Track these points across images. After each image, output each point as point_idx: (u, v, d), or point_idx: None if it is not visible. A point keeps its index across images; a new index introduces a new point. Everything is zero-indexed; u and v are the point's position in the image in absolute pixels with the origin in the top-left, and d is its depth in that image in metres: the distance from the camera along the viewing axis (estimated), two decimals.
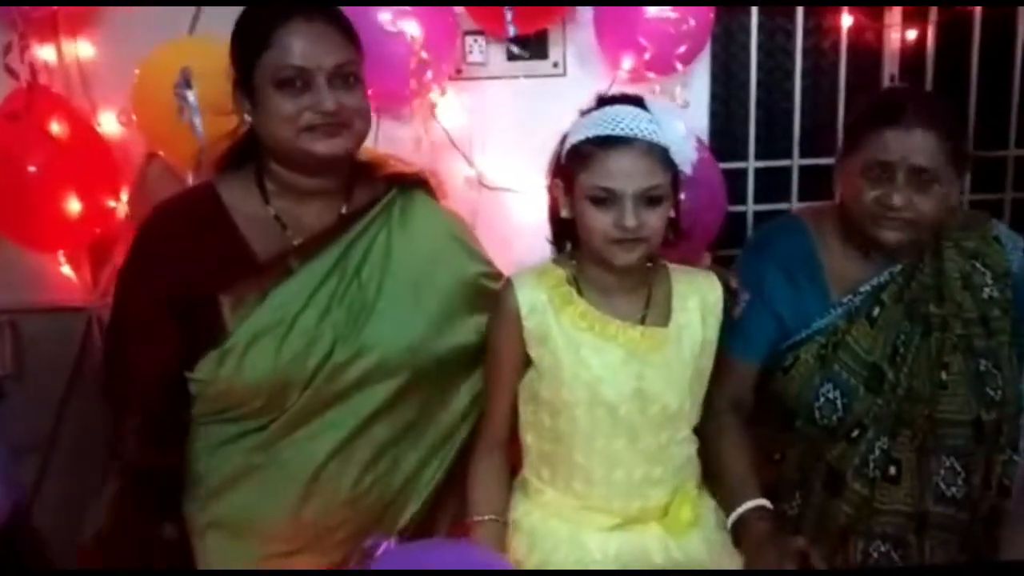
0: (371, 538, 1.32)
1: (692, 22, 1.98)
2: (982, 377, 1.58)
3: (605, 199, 1.41)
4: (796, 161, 2.46)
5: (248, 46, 1.44)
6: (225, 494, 1.51)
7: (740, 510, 1.51)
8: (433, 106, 2.16)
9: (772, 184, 2.49)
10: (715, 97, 2.36)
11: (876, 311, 1.60)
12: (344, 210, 1.54)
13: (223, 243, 1.48)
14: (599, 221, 1.42)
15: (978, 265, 1.64)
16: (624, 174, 1.40)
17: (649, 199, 1.41)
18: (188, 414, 1.51)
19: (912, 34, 2.37)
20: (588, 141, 1.43)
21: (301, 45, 1.41)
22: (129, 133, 2.18)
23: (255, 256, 1.48)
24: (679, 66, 2.04)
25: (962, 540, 1.62)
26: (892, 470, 1.59)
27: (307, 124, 1.42)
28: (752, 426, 1.64)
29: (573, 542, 1.51)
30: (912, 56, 2.41)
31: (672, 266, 1.58)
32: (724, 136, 2.45)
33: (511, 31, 1.98)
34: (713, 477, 1.58)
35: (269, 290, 1.45)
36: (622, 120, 1.42)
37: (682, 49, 2.00)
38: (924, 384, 1.58)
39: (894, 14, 2.37)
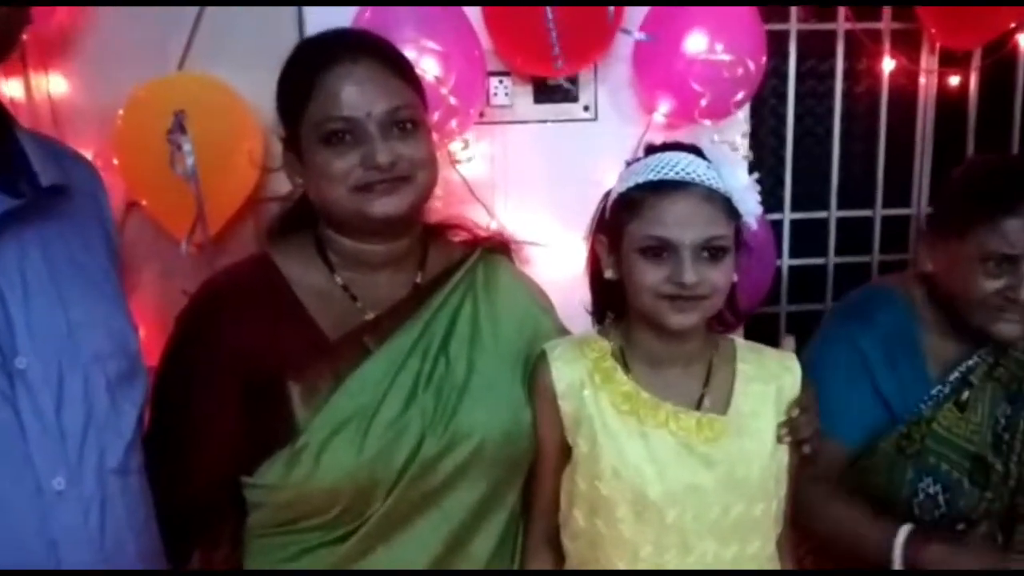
0: None
1: (750, 65, 1.81)
2: None
3: (659, 250, 1.23)
4: (833, 212, 2.31)
5: (290, 98, 1.26)
6: None
7: (899, 539, 1.35)
8: (453, 154, 1.97)
9: (808, 237, 2.34)
10: (751, 144, 2.19)
11: (965, 395, 1.45)
12: (419, 279, 1.34)
13: (288, 321, 1.27)
14: (651, 276, 1.23)
15: None
16: (681, 222, 1.22)
17: (710, 252, 1.23)
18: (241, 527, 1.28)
19: (954, 80, 2.26)
20: (639, 187, 1.25)
21: (347, 92, 1.21)
22: (106, 179, 1.94)
23: (324, 335, 1.26)
24: (735, 111, 1.87)
25: None
26: None
27: (360, 182, 1.22)
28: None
29: None
30: (951, 102, 2.30)
31: (739, 342, 1.38)
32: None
33: (558, 65, 1.78)
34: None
35: (344, 375, 1.23)
36: (678, 163, 1.25)
37: (740, 95, 1.83)
38: None
39: (932, 60, 2.26)
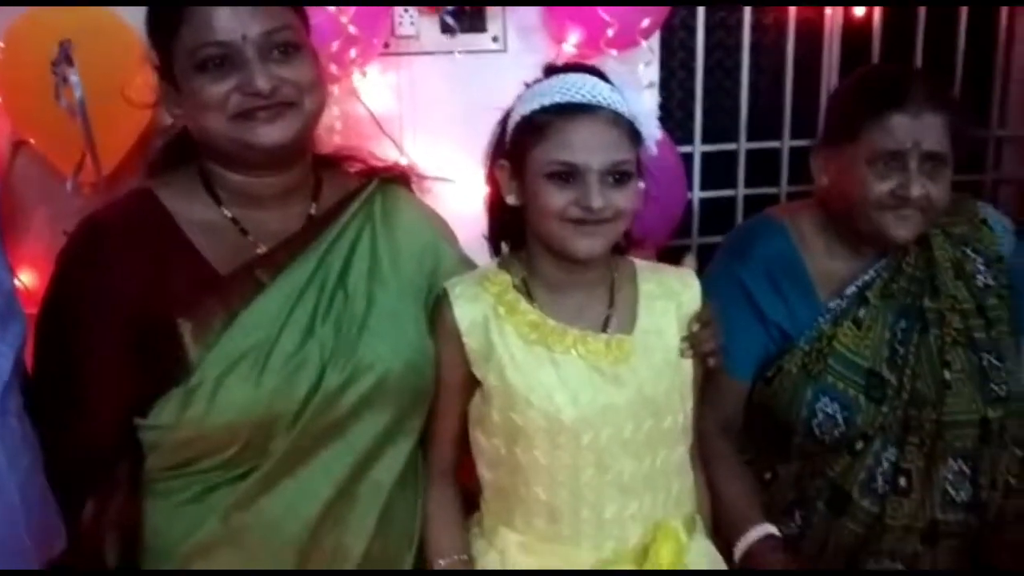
0: None
1: None
2: (985, 372, 1.48)
3: (566, 175, 1.22)
4: (743, 144, 2.32)
5: (161, 24, 1.20)
6: (194, 566, 1.22)
7: (747, 540, 1.37)
8: (355, 88, 1.91)
9: (718, 170, 2.35)
10: (660, 78, 2.19)
11: (862, 312, 1.48)
12: (313, 211, 1.30)
13: (175, 257, 1.22)
14: (557, 201, 1.22)
15: (969, 252, 1.55)
16: (588, 147, 1.21)
17: (615, 176, 1.23)
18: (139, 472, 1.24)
19: (859, 11, 2.28)
20: (544, 110, 1.23)
21: (221, 15, 1.16)
22: None
23: (215, 270, 1.22)
24: (644, 43, 1.86)
25: (972, 546, 1.52)
26: (902, 482, 1.47)
27: (239, 109, 1.18)
28: (741, 447, 1.52)
29: None
30: (856, 34, 2.32)
31: (639, 263, 1.39)
32: (666, 118, 2.29)
33: None
34: (710, 508, 1.44)
35: (237, 311, 1.19)
36: (583, 86, 1.23)
37: (646, 22, 1.82)
38: (928, 385, 1.47)
39: None
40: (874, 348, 1.47)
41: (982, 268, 1.53)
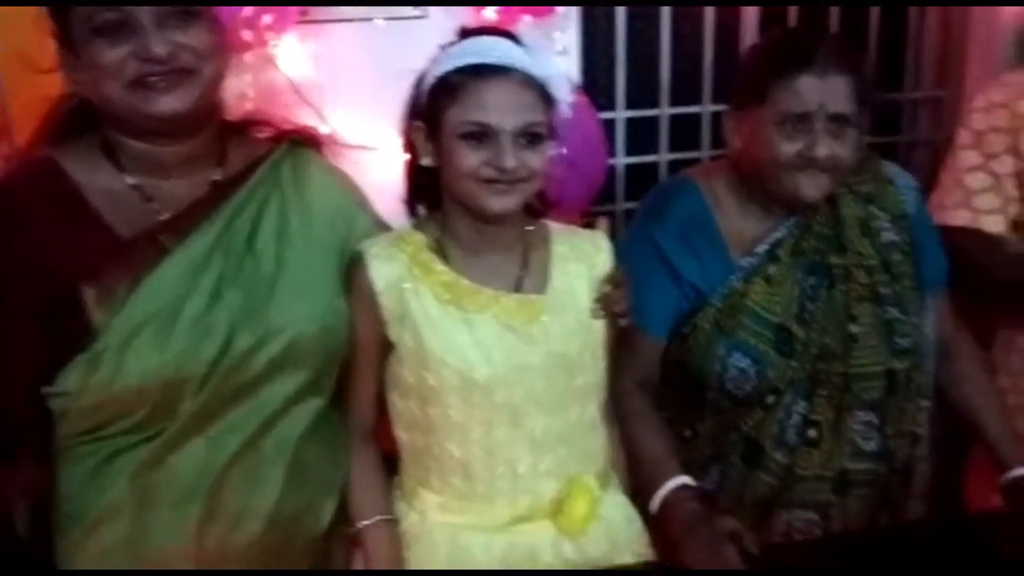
0: None
1: None
2: (891, 326, 1.52)
3: (480, 135, 1.24)
4: (665, 110, 2.35)
5: None
6: (104, 528, 1.23)
7: (662, 491, 1.39)
8: (271, 55, 1.89)
9: (641, 135, 2.38)
10: (581, 44, 2.20)
11: (772, 269, 1.52)
12: (218, 177, 1.29)
13: (77, 224, 1.22)
14: (471, 160, 1.24)
15: (874, 209, 1.58)
16: (501, 107, 1.24)
17: (528, 137, 1.25)
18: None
19: None
20: (458, 71, 1.25)
21: None
22: None
23: (118, 236, 1.21)
24: (558, 8, 1.87)
25: (882, 495, 1.57)
26: (812, 433, 1.51)
27: (135, 75, 1.16)
28: (659, 405, 1.54)
29: (454, 546, 1.35)
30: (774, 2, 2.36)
31: (552, 225, 1.42)
32: (590, 85, 2.31)
33: None
34: (628, 465, 1.48)
35: (142, 277, 1.19)
36: (496, 48, 1.26)
37: None
38: (835, 339, 1.50)
39: None
40: (784, 304, 1.50)
41: (887, 225, 1.56)
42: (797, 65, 1.41)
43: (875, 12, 2.43)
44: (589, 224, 2.06)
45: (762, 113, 1.44)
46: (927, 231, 1.60)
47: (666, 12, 2.31)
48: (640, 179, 2.36)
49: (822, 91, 1.40)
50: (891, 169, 1.64)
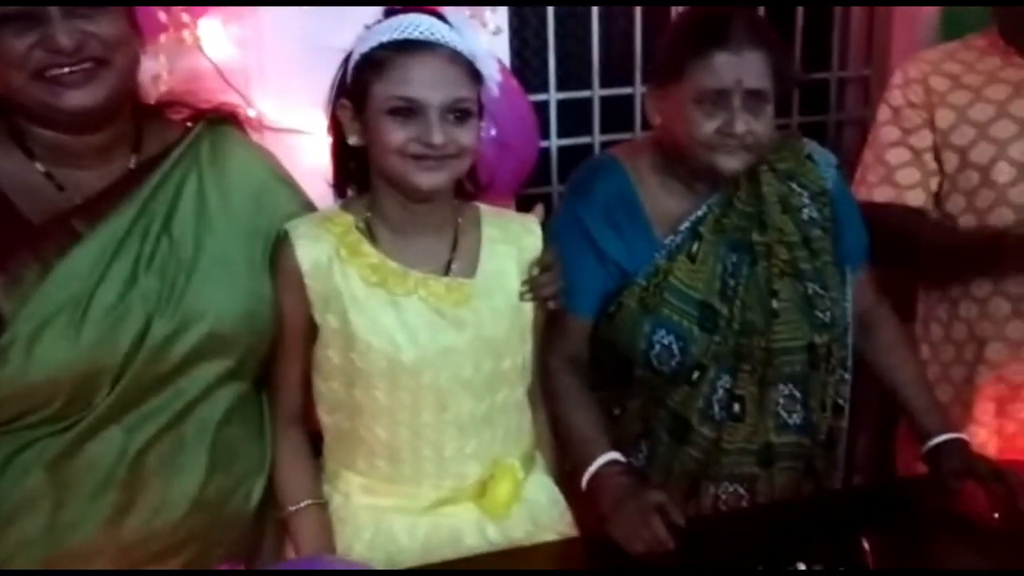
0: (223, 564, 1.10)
1: None
2: (811, 301, 1.55)
3: (407, 111, 1.23)
4: (597, 91, 2.36)
5: None
6: (22, 520, 1.21)
7: (592, 468, 1.42)
8: (194, 37, 1.86)
9: (574, 117, 2.39)
10: (511, 26, 2.20)
11: (695, 246, 1.53)
12: (132, 163, 1.26)
13: None
14: (399, 136, 1.24)
15: (795, 186, 1.60)
16: (428, 83, 1.24)
17: (456, 113, 1.25)
18: None
19: None
20: (383, 47, 1.25)
21: None
22: None
23: (28, 221, 1.18)
24: None
25: (806, 466, 1.61)
26: (736, 407, 1.54)
27: (41, 66, 1.13)
28: (589, 384, 1.55)
29: (378, 528, 1.36)
30: None
31: (484, 208, 1.43)
32: (521, 67, 2.32)
33: None
34: (559, 443, 1.50)
35: (52, 263, 1.16)
36: (421, 24, 1.25)
37: None
38: (757, 315, 1.53)
39: None
40: (707, 281, 1.52)
41: (807, 202, 1.58)
42: (712, 42, 1.42)
43: None
44: (524, 207, 2.07)
45: (680, 91, 1.45)
46: (847, 207, 1.63)
47: None
48: (574, 161, 2.35)
49: (738, 67, 1.41)
50: (811, 147, 1.66)
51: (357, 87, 1.28)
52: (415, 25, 1.25)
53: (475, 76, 1.28)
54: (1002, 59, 1.69)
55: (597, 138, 2.39)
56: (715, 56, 1.42)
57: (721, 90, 1.42)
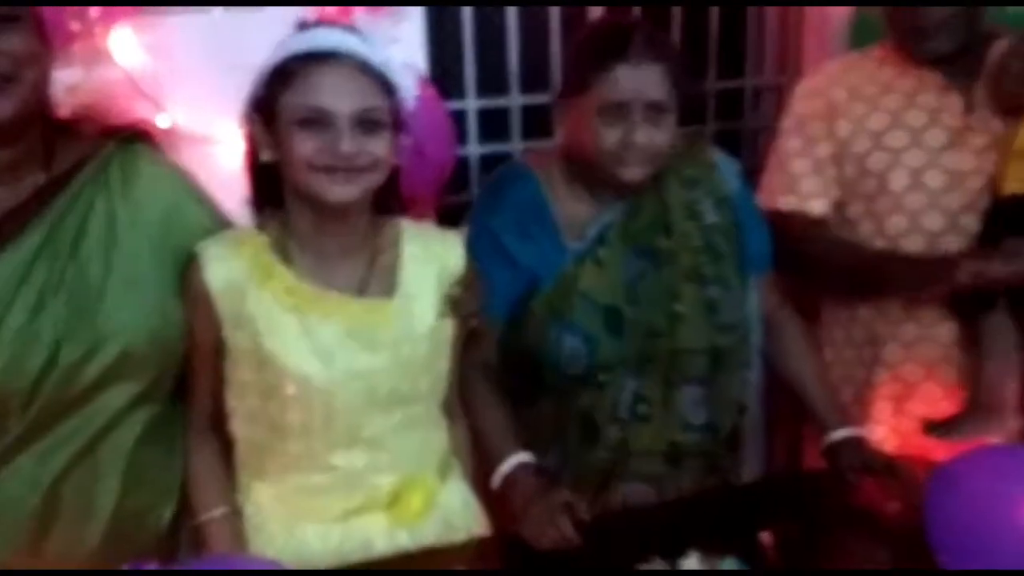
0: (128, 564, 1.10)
1: None
2: (713, 304, 1.60)
3: (315, 121, 1.23)
4: (515, 99, 2.40)
5: None
6: None
7: (503, 469, 1.46)
8: (106, 49, 1.84)
9: (494, 125, 2.42)
10: (429, 34, 2.21)
11: (602, 252, 1.58)
12: (43, 179, 1.25)
13: None
14: (308, 147, 1.23)
15: (699, 193, 1.65)
16: (336, 92, 1.24)
17: (366, 124, 1.25)
18: None
19: None
20: (292, 58, 1.25)
21: None
22: None
23: None
24: None
25: (711, 464, 1.66)
26: (642, 408, 1.58)
27: None
28: (501, 389, 1.59)
29: (290, 536, 1.36)
30: None
31: (406, 224, 1.43)
32: (440, 75, 2.33)
33: None
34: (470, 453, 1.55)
35: None
36: (330, 35, 1.27)
37: None
38: (661, 318, 1.58)
39: None
40: (613, 285, 1.56)
41: (711, 208, 1.63)
42: (613, 56, 1.46)
43: (716, 3, 2.53)
44: (445, 214, 2.09)
45: (584, 102, 1.49)
46: (751, 214, 1.69)
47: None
48: (494, 169, 2.40)
49: (638, 81, 1.46)
50: (716, 154, 1.71)
51: (267, 100, 1.28)
52: (323, 37, 1.27)
53: (388, 88, 1.29)
54: (897, 70, 1.75)
55: (517, 145, 2.42)
56: (616, 70, 1.46)
57: (622, 102, 1.46)
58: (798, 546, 1.41)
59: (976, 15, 1.66)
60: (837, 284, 1.84)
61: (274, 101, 1.26)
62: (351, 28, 1.32)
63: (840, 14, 2.36)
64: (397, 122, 1.32)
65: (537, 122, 2.42)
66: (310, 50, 1.25)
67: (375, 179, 1.29)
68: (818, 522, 1.49)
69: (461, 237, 1.50)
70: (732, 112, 2.64)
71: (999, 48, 1.66)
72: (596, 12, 2.42)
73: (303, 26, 1.32)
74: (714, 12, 2.55)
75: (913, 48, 1.70)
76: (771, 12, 2.63)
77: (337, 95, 1.24)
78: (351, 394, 1.31)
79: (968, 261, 1.60)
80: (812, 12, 2.53)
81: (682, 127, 2.10)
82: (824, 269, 1.81)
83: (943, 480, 1.30)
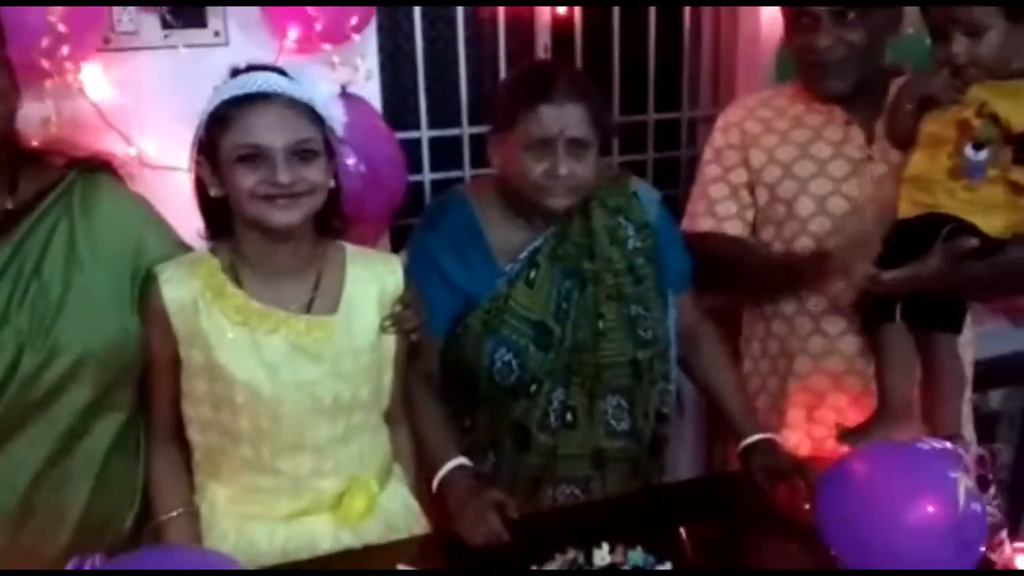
0: (75, 558, 1.17)
1: None
2: (634, 321, 1.74)
3: (254, 157, 1.37)
4: (466, 129, 2.54)
5: None
6: None
7: (441, 472, 1.58)
8: (73, 83, 1.97)
9: (446, 153, 2.56)
10: (383, 69, 2.35)
11: (533, 273, 1.71)
12: (10, 205, 1.38)
13: None
14: (249, 180, 1.37)
15: (622, 220, 1.78)
16: (269, 128, 1.37)
17: (301, 154, 1.39)
18: None
19: (561, 9, 2.53)
20: (226, 103, 1.39)
21: None
22: None
23: None
24: (355, 36, 2.03)
25: (634, 468, 1.79)
26: (569, 417, 1.71)
27: None
28: (443, 399, 1.72)
29: (240, 535, 1.49)
30: (562, 29, 2.58)
31: (349, 248, 1.57)
32: (396, 107, 2.48)
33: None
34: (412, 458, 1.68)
35: None
36: (258, 79, 1.40)
37: (354, 20, 1.98)
38: (586, 334, 1.71)
39: None
40: (542, 304, 1.69)
41: (632, 234, 1.77)
42: (539, 97, 1.59)
43: (652, 37, 2.69)
44: (400, 237, 2.22)
45: (513, 137, 1.63)
46: (670, 238, 1.83)
47: (462, 39, 2.49)
48: None
49: (561, 119, 1.58)
50: (638, 184, 1.86)
51: (209, 143, 1.41)
52: (253, 81, 1.40)
53: (317, 119, 1.42)
54: (805, 106, 1.91)
55: (467, 172, 2.56)
56: (541, 109, 1.59)
57: (546, 138, 1.59)
58: (716, 543, 1.51)
59: (873, 55, 1.81)
60: (752, 287, 1.97)
61: (215, 143, 1.40)
62: (278, 69, 1.46)
63: (769, 50, 2.53)
64: (330, 148, 1.46)
65: (485, 151, 2.57)
66: (242, 94, 1.39)
67: (315, 202, 1.43)
68: (734, 521, 1.60)
69: (401, 260, 1.63)
70: (669, 142, 2.79)
71: (895, 86, 1.82)
72: (540, 46, 2.59)
73: (235, 72, 1.46)
74: (652, 49, 2.70)
75: (814, 86, 1.86)
76: (706, 49, 2.80)
77: (270, 131, 1.37)
78: (295, 403, 1.44)
79: (870, 271, 1.69)
80: (743, 48, 2.70)
81: (623, 156, 2.26)
82: (741, 281, 1.95)
83: (832, 478, 1.42)
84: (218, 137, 1.39)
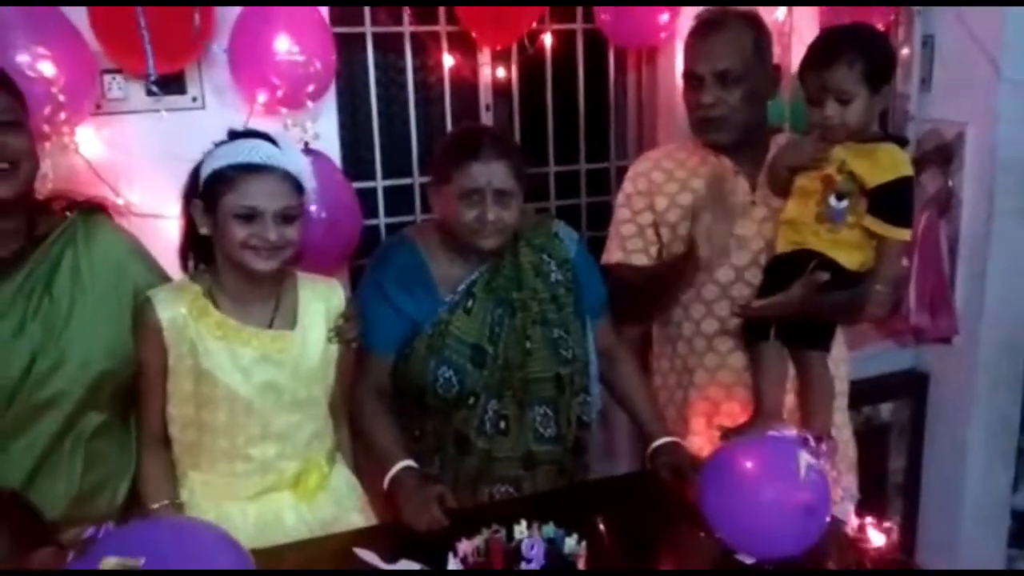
0: (90, 528, 1.29)
1: (318, 64, 2.26)
2: (557, 342, 2.02)
3: (249, 215, 1.68)
4: (416, 179, 2.84)
5: None
6: None
7: (391, 473, 1.83)
8: (69, 143, 2.23)
9: (399, 200, 2.85)
10: (343, 127, 2.63)
11: (470, 302, 1.98)
12: (23, 242, 1.69)
13: None
14: (241, 233, 1.69)
15: (545, 257, 2.06)
16: (266, 195, 1.69)
17: (286, 217, 1.71)
18: None
19: (500, 71, 2.85)
20: (232, 167, 1.69)
21: None
22: None
23: None
24: (309, 103, 2.33)
25: (560, 468, 2.07)
26: (502, 424, 1.99)
27: None
28: (396, 411, 1.99)
29: (218, 513, 1.76)
30: (502, 89, 2.91)
31: (300, 275, 1.88)
32: (354, 160, 2.76)
33: (152, 75, 2.14)
34: (366, 454, 1.95)
35: None
36: (260, 150, 1.71)
37: (311, 88, 2.28)
38: (516, 354, 1.99)
39: (485, 55, 2.84)
40: (478, 328, 1.97)
41: (554, 268, 2.05)
42: (469, 155, 1.89)
43: (582, 96, 2.99)
44: (356, 275, 2.50)
45: (449, 189, 1.92)
46: (588, 272, 2.12)
47: (412, 99, 2.79)
48: None
49: (487, 173, 1.88)
50: (559, 226, 2.16)
51: (210, 194, 1.72)
52: (256, 151, 1.70)
53: (300, 188, 1.75)
54: (701, 158, 2.22)
55: (419, 216, 2.84)
56: (471, 165, 1.88)
57: (475, 190, 1.88)
58: (628, 529, 1.71)
59: (754, 112, 2.11)
60: (654, 297, 2.23)
61: (217, 197, 1.71)
62: (272, 139, 1.76)
63: (684, 108, 2.85)
64: (304, 212, 1.78)
65: None
66: (247, 162, 1.70)
67: (288, 254, 1.76)
68: (644, 511, 1.84)
69: (341, 283, 1.93)
70: (600, 188, 3.08)
71: (775, 144, 2.16)
72: (483, 106, 2.91)
73: (234, 135, 1.77)
74: (582, 106, 3.00)
75: (701, 138, 2.17)
76: (631, 106, 3.11)
77: (266, 198, 1.70)
78: (264, 400, 1.76)
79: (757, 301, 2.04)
80: (663, 105, 3.02)
81: (559, 201, 2.55)
82: (644, 292, 2.22)
83: (712, 466, 1.70)
84: (221, 192, 1.70)
